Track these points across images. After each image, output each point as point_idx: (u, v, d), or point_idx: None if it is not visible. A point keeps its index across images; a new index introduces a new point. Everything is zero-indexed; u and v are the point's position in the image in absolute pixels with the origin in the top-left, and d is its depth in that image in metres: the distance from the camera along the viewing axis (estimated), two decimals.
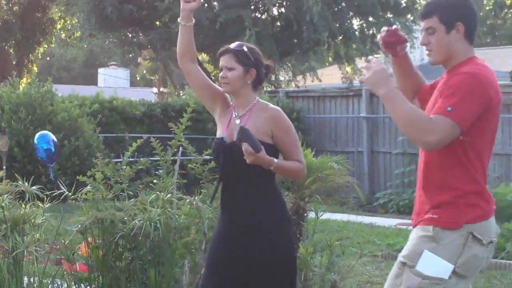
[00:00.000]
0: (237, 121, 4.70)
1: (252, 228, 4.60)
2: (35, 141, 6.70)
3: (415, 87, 4.20)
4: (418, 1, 23.22)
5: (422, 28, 3.87)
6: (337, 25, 21.73)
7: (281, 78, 25.64)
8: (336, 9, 22.20)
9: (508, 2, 17.48)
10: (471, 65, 3.76)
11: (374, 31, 22.62)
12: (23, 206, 5.93)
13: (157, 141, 6.67)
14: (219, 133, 4.75)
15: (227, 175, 4.67)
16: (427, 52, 3.87)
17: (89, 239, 6.17)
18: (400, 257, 3.77)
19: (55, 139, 7.72)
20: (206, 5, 22.05)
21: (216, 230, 4.84)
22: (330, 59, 24.18)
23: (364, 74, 3.84)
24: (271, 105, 4.72)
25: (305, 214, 6.08)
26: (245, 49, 4.72)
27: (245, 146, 4.34)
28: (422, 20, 3.87)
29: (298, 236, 5.81)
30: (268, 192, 4.65)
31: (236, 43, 4.83)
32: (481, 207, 3.75)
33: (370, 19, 22.68)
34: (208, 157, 6.86)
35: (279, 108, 4.71)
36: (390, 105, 3.70)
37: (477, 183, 3.74)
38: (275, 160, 4.47)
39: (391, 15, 22.68)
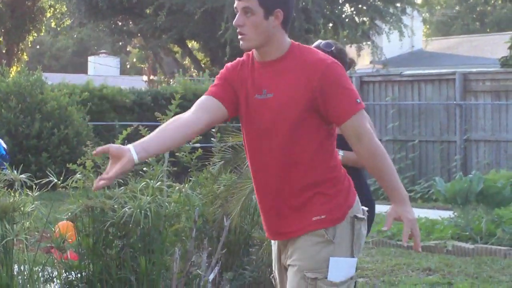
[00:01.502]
0: None
1: None
2: None
3: None
4: None
5: (236, 7, 3.55)
6: (327, 12, 21.73)
7: None
8: None
9: None
10: (308, 50, 3.60)
11: (364, 19, 22.63)
12: (12, 194, 5.91)
13: (146, 129, 6.66)
14: None
15: None
16: (240, 36, 3.56)
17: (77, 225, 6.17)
18: (306, 273, 3.54)
19: (4, 145, 7.59)
20: None
21: None
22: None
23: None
24: None
25: None
26: (330, 44, 4.96)
27: None
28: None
29: None
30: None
31: (320, 41, 5.10)
32: (351, 187, 3.67)
33: (360, 6, 22.67)
34: (197, 145, 6.87)
35: None
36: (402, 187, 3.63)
37: (339, 167, 3.68)
38: (340, 151, 4.80)
39: (380, 3, 22.66)
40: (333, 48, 4.93)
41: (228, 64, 3.74)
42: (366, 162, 3.59)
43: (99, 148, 3.38)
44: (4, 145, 7.41)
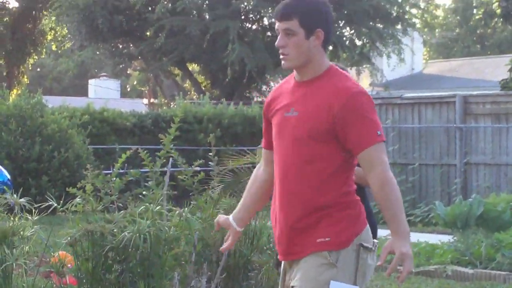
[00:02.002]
0: None
1: None
2: None
3: None
4: (408, 11, 23.25)
5: (278, 29, 3.63)
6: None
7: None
8: None
9: (498, 11, 17.49)
10: (345, 79, 3.64)
11: (364, 41, 22.68)
12: (12, 218, 5.91)
13: (146, 152, 6.67)
14: None
15: None
16: (282, 56, 3.64)
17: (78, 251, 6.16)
18: None
19: (7, 174, 7.56)
20: (197, 16, 22.09)
21: None
22: None
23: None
24: None
25: None
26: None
27: None
28: (280, 21, 3.61)
29: None
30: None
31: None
32: (362, 215, 3.66)
33: (361, 28, 22.71)
34: (198, 168, 6.87)
35: None
36: (405, 221, 3.59)
37: (354, 194, 3.69)
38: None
39: (381, 25, 22.73)
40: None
41: (267, 98, 3.89)
42: (375, 190, 3.57)
43: (216, 224, 4.08)
44: (8, 175, 7.37)
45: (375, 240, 3.70)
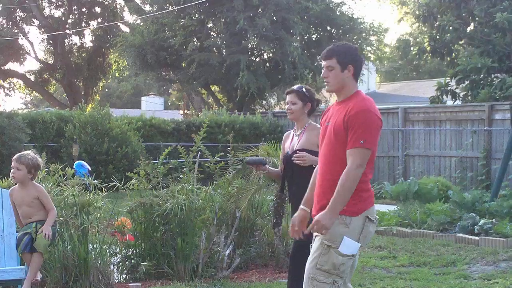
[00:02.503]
0: (296, 138, 4.87)
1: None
2: (75, 167, 6.56)
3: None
4: (365, 48, 23.11)
5: (323, 65, 3.71)
6: (309, 65, 21.72)
7: (272, 101, 25.71)
8: (308, 54, 22.18)
9: (428, 49, 17.45)
10: (360, 97, 3.66)
11: None
12: (88, 194, 5.93)
13: (183, 148, 6.69)
14: (285, 150, 4.94)
15: (289, 173, 4.83)
16: (325, 83, 3.71)
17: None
18: (324, 241, 3.58)
19: (88, 167, 7.52)
20: (217, 52, 22.05)
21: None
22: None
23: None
24: (318, 125, 4.75)
25: (286, 198, 6.09)
26: (303, 89, 4.84)
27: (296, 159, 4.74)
28: (324, 60, 3.70)
29: (281, 213, 5.77)
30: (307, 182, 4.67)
31: (297, 85, 4.99)
32: (371, 198, 3.67)
33: None
34: (218, 159, 6.88)
35: None
36: (342, 203, 3.53)
37: (368, 182, 3.66)
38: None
39: None
40: (303, 89, 4.88)
41: (323, 114, 3.89)
42: (340, 175, 3.56)
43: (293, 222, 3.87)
44: (89, 167, 7.33)
45: (377, 216, 3.75)
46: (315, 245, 3.66)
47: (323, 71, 3.72)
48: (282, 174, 4.96)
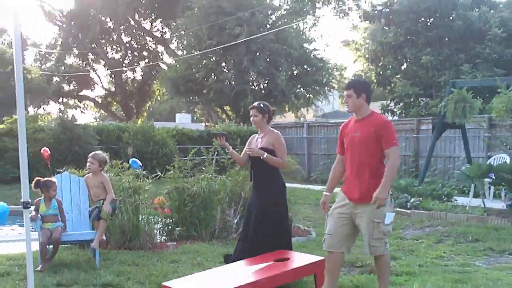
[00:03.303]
0: (259, 140, 4.67)
1: (264, 190, 4.56)
2: (131, 163, 6.49)
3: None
4: (331, 80, 23.00)
5: (345, 94, 3.73)
6: (294, 91, 21.71)
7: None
8: (291, 84, 22.14)
9: (375, 81, 17.46)
10: (378, 115, 3.70)
11: (311, 96, 22.56)
12: (139, 181, 5.94)
13: (204, 149, 6.68)
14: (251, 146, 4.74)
15: (254, 167, 4.67)
16: (346, 105, 3.72)
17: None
18: (375, 219, 3.57)
19: (140, 163, 7.43)
20: (228, 82, 22.04)
21: (251, 193, 4.78)
22: (287, 109, 23.82)
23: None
24: (275, 131, 4.71)
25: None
26: (261, 105, 4.74)
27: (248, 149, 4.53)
28: (345, 90, 3.73)
29: None
30: (271, 174, 4.58)
31: (257, 102, 4.82)
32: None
33: (308, 88, 22.60)
34: (229, 156, 6.86)
35: (278, 132, 4.70)
36: (390, 184, 3.52)
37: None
38: (266, 154, 4.49)
39: (317, 87, 22.59)
40: (261, 104, 4.72)
41: (341, 125, 3.86)
42: (388, 166, 3.52)
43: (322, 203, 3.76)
44: (140, 163, 7.24)
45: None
46: (366, 225, 3.59)
47: (344, 98, 3.74)
48: (251, 163, 4.72)
